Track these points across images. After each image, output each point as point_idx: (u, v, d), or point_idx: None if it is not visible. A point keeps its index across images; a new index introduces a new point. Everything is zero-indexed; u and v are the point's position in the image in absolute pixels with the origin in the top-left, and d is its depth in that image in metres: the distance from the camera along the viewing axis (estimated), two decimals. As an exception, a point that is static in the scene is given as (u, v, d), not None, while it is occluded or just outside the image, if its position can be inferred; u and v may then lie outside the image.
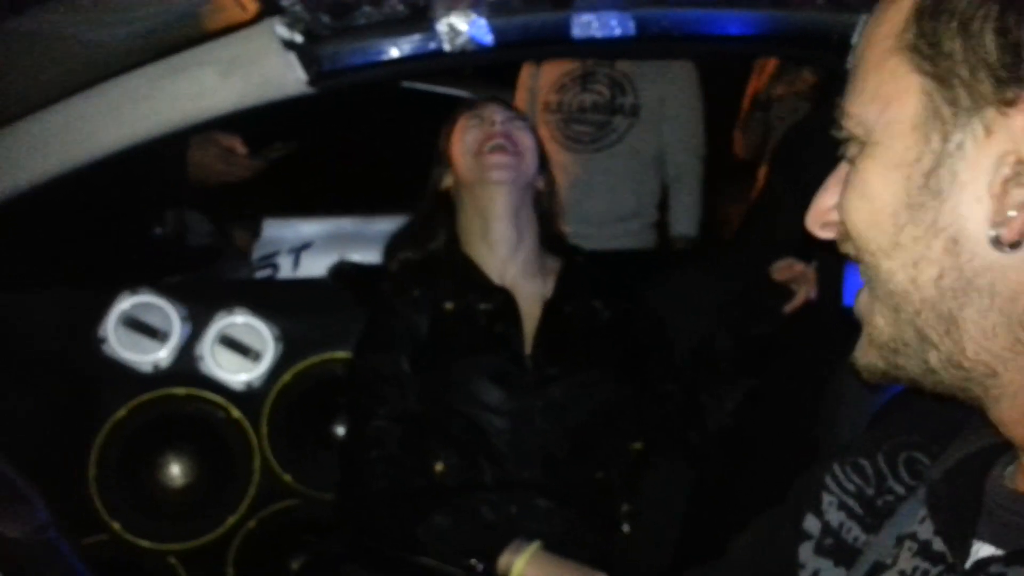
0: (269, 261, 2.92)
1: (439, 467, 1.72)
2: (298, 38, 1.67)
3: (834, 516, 0.78)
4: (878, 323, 0.68)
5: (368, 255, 2.64)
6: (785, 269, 1.72)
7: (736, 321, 1.85)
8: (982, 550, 0.64)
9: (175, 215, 2.46)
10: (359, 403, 1.77)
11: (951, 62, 0.62)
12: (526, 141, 1.85)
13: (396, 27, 1.73)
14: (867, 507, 0.76)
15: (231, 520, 2.13)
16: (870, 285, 0.69)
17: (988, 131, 0.61)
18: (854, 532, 0.76)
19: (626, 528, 1.80)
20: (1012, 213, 0.60)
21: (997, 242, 0.60)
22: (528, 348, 1.79)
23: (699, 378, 1.88)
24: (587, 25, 1.80)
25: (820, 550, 0.77)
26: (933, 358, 0.65)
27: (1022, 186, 0.60)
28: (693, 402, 1.89)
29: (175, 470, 2.14)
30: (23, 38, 1.68)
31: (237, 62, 1.72)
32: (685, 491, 1.96)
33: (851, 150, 0.69)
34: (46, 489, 1.11)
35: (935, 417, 0.75)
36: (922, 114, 0.63)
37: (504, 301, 1.81)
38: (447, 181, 1.89)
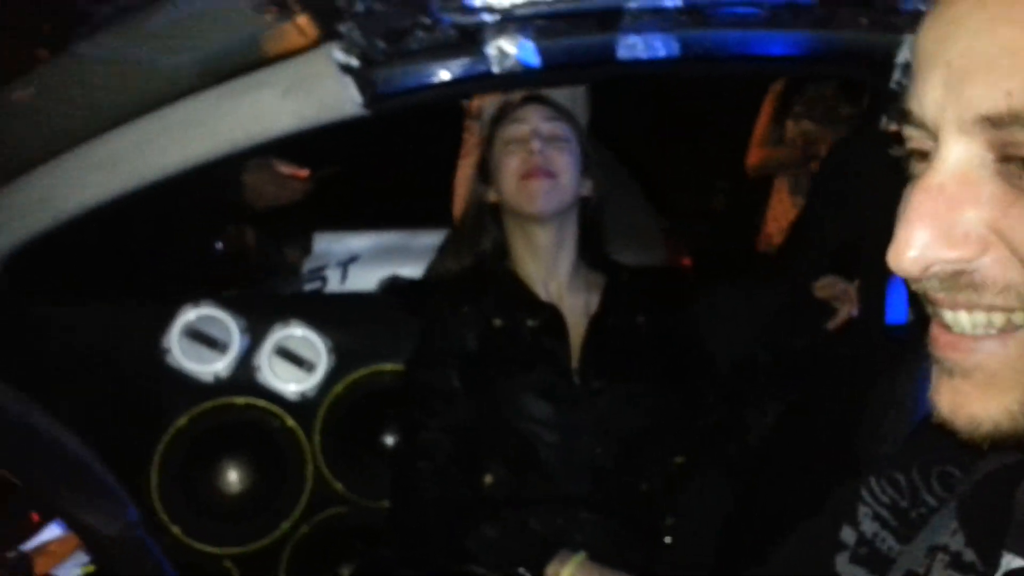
0: (318, 274, 2.97)
1: (488, 479, 1.74)
2: (354, 62, 1.69)
3: (869, 527, 0.78)
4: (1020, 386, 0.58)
5: (414, 268, 2.68)
6: (828, 287, 1.72)
7: (778, 336, 1.86)
8: (1013, 562, 0.63)
9: (234, 232, 2.53)
10: (411, 416, 1.79)
11: None
12: (564, 161, 1.84)
13: (447, 51, 1.76)
14: (901, 518, 0.76)
15: (285, 526, 2.16)
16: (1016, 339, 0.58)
17: None
18: (888, 542, 0.76)
19: (668, 540, 1.81)
20: None
21: None
22: (575, 363, 1.80)
23: (741, 392, 1.89)
24: (632, 47, 1.82)
25: (855, 559, 0.77)
26: None
27: None
28: (735, 416, 1.89)
29: (232, 476, 2.17)
30: (94, 63, 1.76)
31: (296, 85, 1.76)
32: (726, 504, 1.96)
33: (1010, 168, 0.56)
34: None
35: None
36: None
37: (551, 317, 1.83)
38: (492, 196, 1.91)
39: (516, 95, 1.99)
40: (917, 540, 0.72)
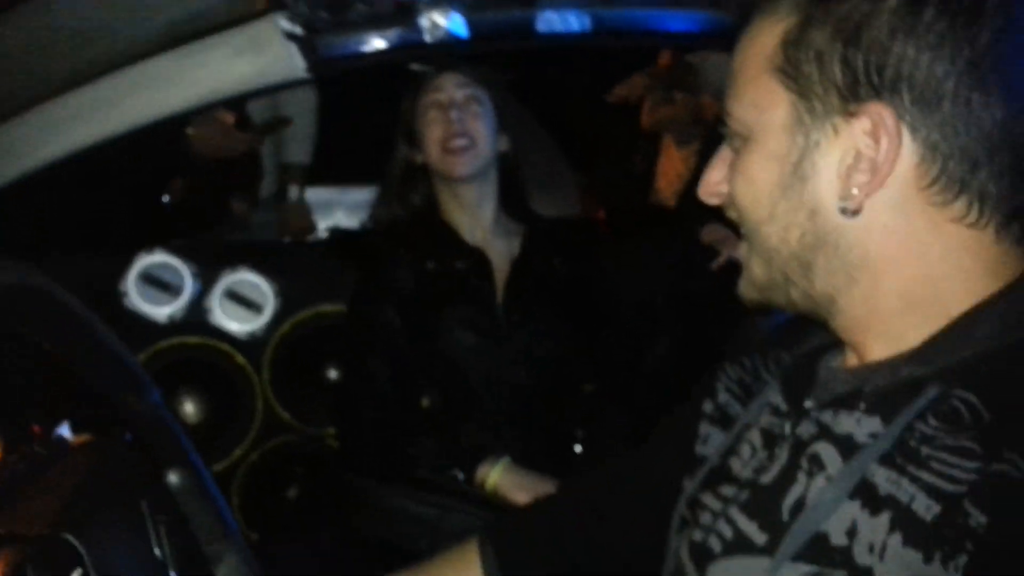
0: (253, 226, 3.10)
1: (425, 402, 1.92)
2: (299, 30, 1.78)
3: (722, 397, 1.00)
4: (755, 270, 0.86)
5: (344, 221, 2.84)
6: (711, 232, 1.98)
7: (676, 279, 2.12)
8: (808, 403, 0.85)
9: (180, 184, 2.65)
10: (354, 347, 1.96)
11: (810, 82, 0.79)
12: (479, 125, 1.99)
13: (385, 22, 1.92)
14: (745, 390, 0.98)
15: (237, 452, 2.33)
16: (748, 242, 0.87)
17: (836, 132, 0.79)
18: (735, 407, 0.97)
19: (578, 449, 2.04)
20: (855, 191, 0.79)
21: (844, 211, 0.80)
22: (499, 300, 1.99)
23: (640, 328, 2.14)
24: (550, 22, 2.01)
25: (711, 421, 0.99)
26: (794, 292, 0.85)
27: (859, 172, 0.79)
28: (635, 349, 2.13)
29: (188, 409, 2.32)
30: (58, 29, 1.85)
31: (245, 49, 1.89)
32: (628, 420, 2.21)
33: (735, 142, 0.86)
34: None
35: (794, 329, 1.02)
36: (789, 119, 0.80)
37: (478, 260, 2.00)
38: (419, 158, 2.05)
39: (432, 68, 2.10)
40: (753, 402, 0.95)
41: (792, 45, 0.80)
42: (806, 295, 0.84)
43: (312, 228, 2.77)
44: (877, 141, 0.77)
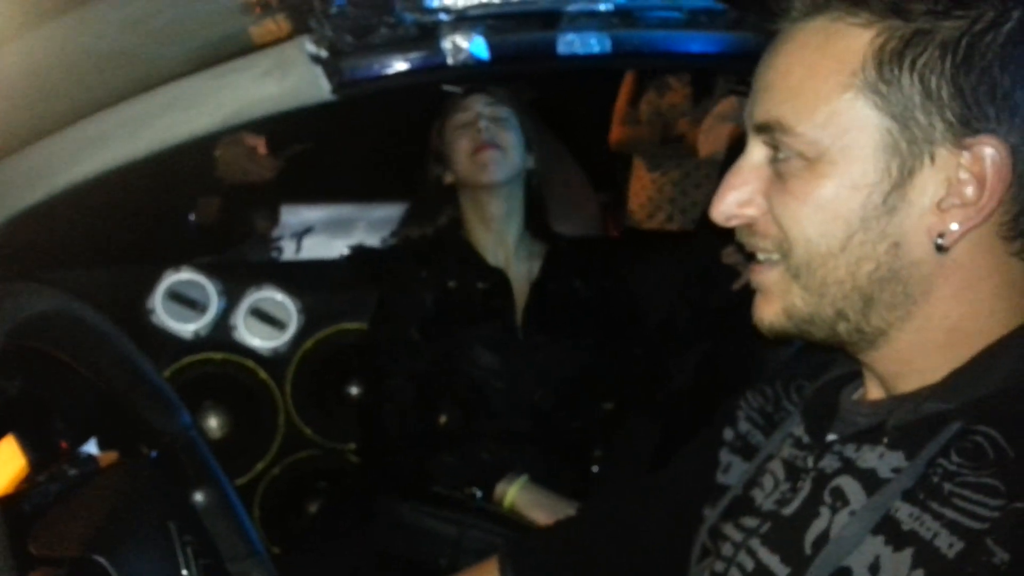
0: (275, 244, 3.14)
1: (443, 419, 1.91)
2: (324, 53, 1.81)
3: (743, 426, 0.98)
4: (796, 303, 0.78)
5: (364, 238, 2.85)
6: (732, 254, 1.97)
7: (696, 297, 2.12)
8: (831, 437, 0.84)
9: (205, 204, 2.68)
10: (376, 365, 1.96)
11: (911, 107, 0.71)
12: (508, 136, 2.01)
13: (408, 45, 1.94)
14: (767, 419, 0.96)
15: (259, 467, 2.34)
16: (793, 273, 0.78)
17: (933, 161, 0.72)
18: (757, 437, 0.96)
19: (595, 469, 2.03)
20: (954, 227, 0.71)
21: (940, 248, 0.72)
22: (519, 320, 1.99)
23: (664, 345, 2.14)
24: (571, 44, 2.02)
25: (732, 450, 0.98)
26: (842, 326, 0.78)
27: (955, 206, 0.71)
28: (659, 366, 2.13)
29: (212, 423, 2.34)
30: (88, 52, 1.88)
31: (271, 72, 1.92)
32: (651, 439, 2.20)
33: (790, 163, 0.76)
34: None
35: (815, 357, 1.00)
36: (880, 145, 0.72)
37: (499, 280, 2.01)
38: (448, 178, 2.07)
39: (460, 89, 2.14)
40: (775, 433, 0.93)
41: (889, 61, 0.71)
42: (856, 330, 0.78)
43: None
44: (982, 174, 0.71)
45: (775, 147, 0.77)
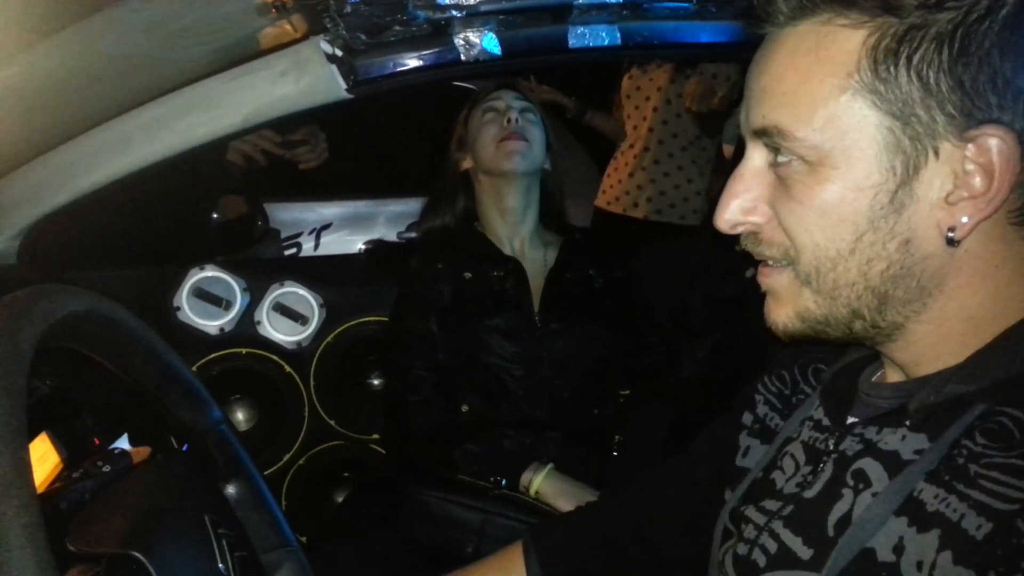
0: (293, 241, 3.14)
1: (465, 408, 1.93)
2: (339, 52, 1.80)
3: (761, 410, 0.98)
4: (809, 306, 0.77)
5: (381, 233, 2.84)
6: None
7: (707, 286, 2.11)
8: (851, 420, 0.84)
9: (225, 203, 2.67)
10: (398, 358, 1.97)
11: (910, 103, 0.69)
12: (534, 131, 2.03)
13: (421, 42, 1.93)
14: (785, 402, 0.96)
15: (285, 458, 2.33)
16: (803, 278, 0.76)
17: (938, 156, 0.70)
18: (775, 420, 0.96)
19: (616, 454, 2.04)
20: (964, 220, 0.70)
21: (951, 242, 0.71)
22: (536, 308, 1.99)
23: (676, 333, 2.13)
24: (581, 36, 2.01)
25: (751, 433, 0.98)
26: (857, 325, 0.77)
27: (964, 199, 0.70)
28: (672, 354, 2.13)
29: (239, 416, 2.34)
30: (112, 56, 1.88)
31: (288, 72, 1.92)
32: (665, 425, 2.21)
33: (792, 167, 0.74)
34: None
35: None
36: (882, 144, 0.71)
37: (514, 269, 2.00)
38: (466, 163, 2.08)
39: (491, 84, 2.17)
40: (794, 416, 0.93)
41: (884, 59, 0.69)
42: (872, 326, 0.77)
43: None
44: (989, 165, 0.69)
45: (776, 149, 0.76)
